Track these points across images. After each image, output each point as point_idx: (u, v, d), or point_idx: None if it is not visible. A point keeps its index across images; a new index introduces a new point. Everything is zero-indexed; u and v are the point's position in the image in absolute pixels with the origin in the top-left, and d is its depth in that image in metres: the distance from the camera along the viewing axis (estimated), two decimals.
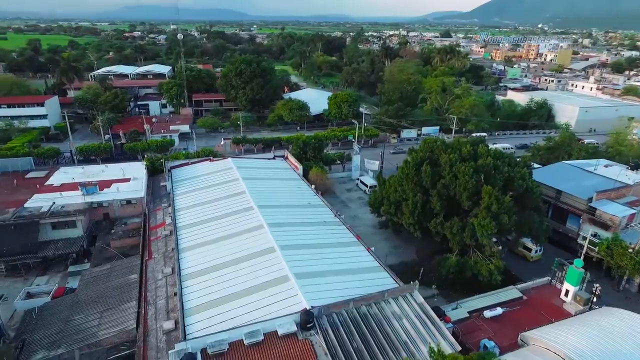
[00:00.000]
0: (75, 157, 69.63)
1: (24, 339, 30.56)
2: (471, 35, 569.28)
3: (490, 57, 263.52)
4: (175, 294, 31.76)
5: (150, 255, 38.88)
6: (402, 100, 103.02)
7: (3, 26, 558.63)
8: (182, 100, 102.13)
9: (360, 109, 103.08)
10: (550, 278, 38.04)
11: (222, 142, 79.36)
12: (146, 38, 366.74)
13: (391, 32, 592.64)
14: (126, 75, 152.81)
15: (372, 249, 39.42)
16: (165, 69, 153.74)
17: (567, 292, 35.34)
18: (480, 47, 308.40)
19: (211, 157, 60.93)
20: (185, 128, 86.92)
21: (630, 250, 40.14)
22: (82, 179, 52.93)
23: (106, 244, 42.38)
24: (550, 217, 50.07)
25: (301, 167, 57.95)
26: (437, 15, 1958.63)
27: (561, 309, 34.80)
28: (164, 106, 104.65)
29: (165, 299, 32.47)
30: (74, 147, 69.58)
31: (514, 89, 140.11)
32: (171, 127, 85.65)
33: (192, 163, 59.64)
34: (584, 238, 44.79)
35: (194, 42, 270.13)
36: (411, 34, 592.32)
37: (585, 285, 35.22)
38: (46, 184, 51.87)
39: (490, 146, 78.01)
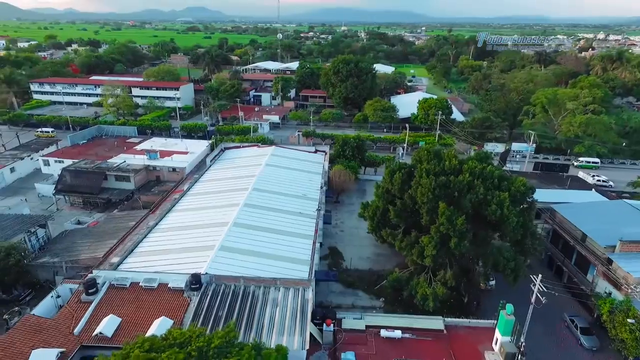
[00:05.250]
0: (180, 133, 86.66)
1: (47, 247, 43.32)
2: None
3: None
4: None
5: (154, 211, 48.31)
6: (507, 112, 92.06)
7: (216, 27, 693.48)
8: (287, 94, 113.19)
9: (455, 115, 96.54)
10: (495, 322, 32.55)
11: (296, 134, 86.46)
12: (314, 38, 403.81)
13: (588, 35, 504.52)
14: (269, 70, 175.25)
15: (318, 245, 40.36)
16: None
17: (497, 340, 30.20)
18: None
19: (259, 144, 68.33)
20: (275, 118, 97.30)
21: (631, 321, 30.81)
22: (160, 148, 66.92)
23: (138, 197, 54.00)
24: (573, 263, 41.00)
25: (327, 163, 60.26)
26: None
27: (480, 356, 30.04)
28: (273, 98, 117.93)
29: (132, 242, 40.89)
30: (179, 125, 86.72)
31: None
32: (264, 117, 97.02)
33: (243, 147, 68.30)
34: (597, 295, 36.28)
35: (346, 43, 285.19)
36: (612, 37, 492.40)
37: (515, 337, 29.47)
38: (134, 148, 67.58)
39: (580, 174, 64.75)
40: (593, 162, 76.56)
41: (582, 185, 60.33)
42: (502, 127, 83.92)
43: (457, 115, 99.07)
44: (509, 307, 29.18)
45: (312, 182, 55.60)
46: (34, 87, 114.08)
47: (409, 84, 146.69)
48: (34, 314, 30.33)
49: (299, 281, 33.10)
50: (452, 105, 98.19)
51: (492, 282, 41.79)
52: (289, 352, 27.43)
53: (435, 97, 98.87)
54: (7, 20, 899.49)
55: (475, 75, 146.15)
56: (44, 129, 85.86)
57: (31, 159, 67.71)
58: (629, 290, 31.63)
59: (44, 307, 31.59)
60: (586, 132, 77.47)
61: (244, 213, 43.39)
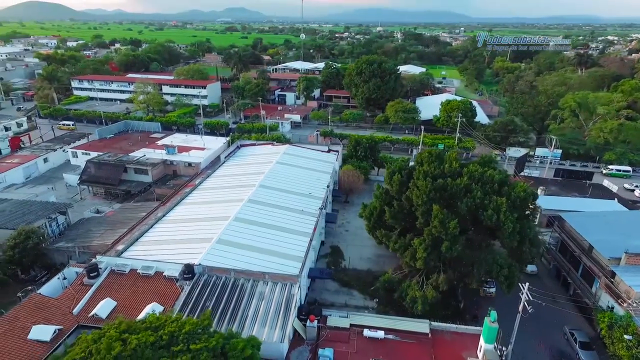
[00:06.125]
0: (203, 129, 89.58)
1: (66, 232, 46.33)
2: None
3: None
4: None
5: (164, 204, 50.46)
6: (535, 115, 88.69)
7: (254, 27, 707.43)
8: (311, 94, 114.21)
9: (480, 117, 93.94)
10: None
11: (314, 133, 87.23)
12: (348, 38, 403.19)
13: None
14: (298, 70, 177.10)
15: (316, 243, 40.82)
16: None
17: (481, 347, 29.61)
18: None
19: (274, 142, 69.58)
20: (296, 118, 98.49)
21: (628, 337, 29.28)
22: (180, 144, 69.65)
23: (153, 190, 56.50)
24: (579, 275, 39.29)
25: (338, 163, 60.55)
26: None
27: None
28: (297, 98, 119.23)
29: (139, 232, 43.01)
30: (203, 122, 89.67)
31: None
32: (285, 116, 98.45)
33: (258, 144, 69.78)
34: (598, 308, 34.74)
35: (379, 43, 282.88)
36: None
37: (500, 346, 28.76)
38: (156, 143, 70.63)
39: (605, 182, 62.59)
40: (624, 171, 72.38)
41: (605, 194, 57.35)
42: (527, 131, 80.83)
43: (482, 117, 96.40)
44: (493, 314, 28.51)
45: (319, 181, 56.06)
46: (74, 83, 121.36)
47: (438, 85, 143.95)
48: (39, 293, 32.71)
49: (287, 276, 33.74)
50: (478, 108, 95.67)
51: (492, 290, 40.84)
52: (270, 344, 28.37)
53: (459, 98, 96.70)
54: (61, 20, 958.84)
55: (507, 77, 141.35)
56: (65, 122, 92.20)
57: (63, 150, 72.30)
58: (625, 305, 30.03)
59: (51, 287, 33.99)
60: (618, 139, 73.36)
61: (246, 208, 44.55)
